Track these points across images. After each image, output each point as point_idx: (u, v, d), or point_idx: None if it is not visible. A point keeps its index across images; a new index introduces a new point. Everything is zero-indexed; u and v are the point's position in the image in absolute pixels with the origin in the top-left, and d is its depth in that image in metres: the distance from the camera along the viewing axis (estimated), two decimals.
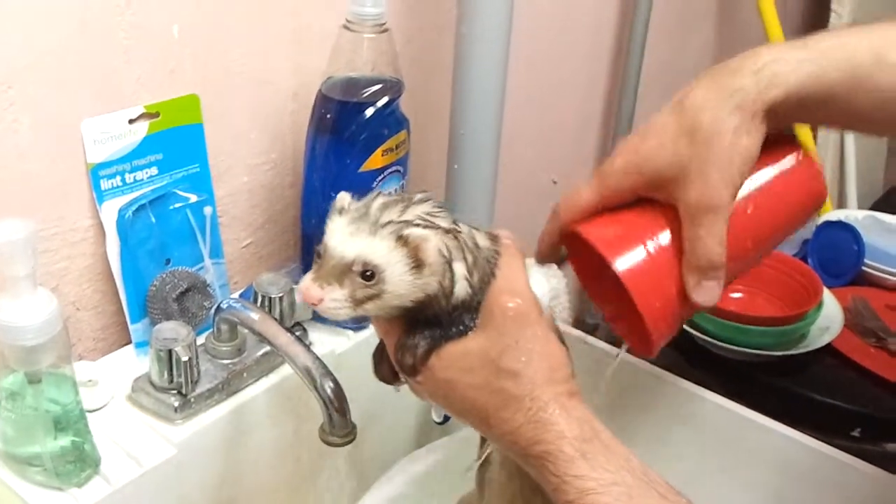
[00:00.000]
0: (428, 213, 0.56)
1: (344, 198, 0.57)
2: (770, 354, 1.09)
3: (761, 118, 0.57)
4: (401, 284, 0.54)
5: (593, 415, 0.55)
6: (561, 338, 0.59)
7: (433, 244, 0.54)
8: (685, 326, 1.15)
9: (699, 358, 1.13)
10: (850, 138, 1.75)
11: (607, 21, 1.36)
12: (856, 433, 1.05)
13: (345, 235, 0.54)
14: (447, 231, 0.56)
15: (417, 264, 0.54)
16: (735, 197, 0.58)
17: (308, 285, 0.54)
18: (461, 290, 0.56)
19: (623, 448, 0.54)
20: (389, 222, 0.55)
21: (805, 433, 0.81)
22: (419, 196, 0.58)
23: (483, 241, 0.58)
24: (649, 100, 1.48)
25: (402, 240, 0.54)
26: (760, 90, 0.57)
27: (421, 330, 0.57)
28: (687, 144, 0.57)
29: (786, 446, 0.81)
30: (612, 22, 1.37)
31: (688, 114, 0.58)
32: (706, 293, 0.58)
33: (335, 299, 0.54)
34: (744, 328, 1.08)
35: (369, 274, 0.54)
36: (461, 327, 0.56)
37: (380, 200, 0.56)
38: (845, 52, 0.59)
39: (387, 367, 0.61)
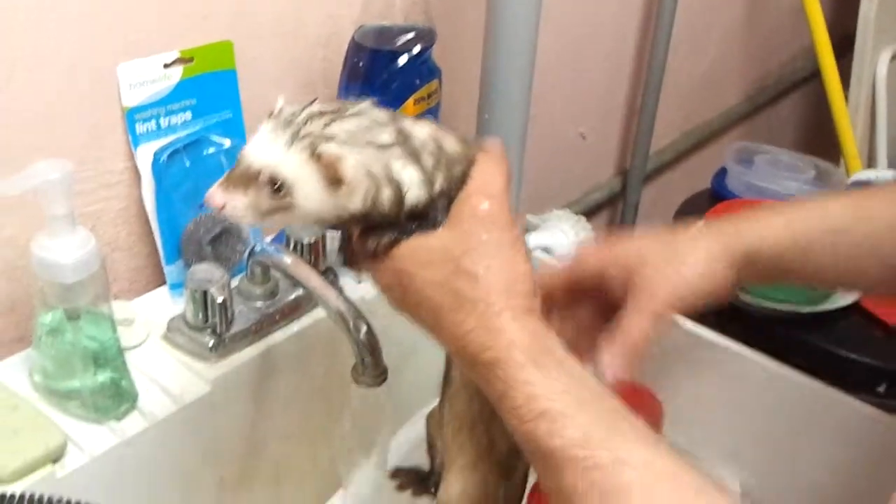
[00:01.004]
0: (363, 128, 0.53)
1: (279, 101, 0.54)
2: (798, 311, 1.10)
3: (734, 261, 0.62)
4: (312, 202, 0.52)
5: (550, 333, 0.54)
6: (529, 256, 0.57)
7: (350, 163, 0.51)
8: None
9: (729, 313, 1.13)
10: (882, 98, 1.74)
11: None
12: (881, 389, 1.05)
13: (262, 142, 0.52)
14: (384, 146, 0.53)
15: (333, 182, 0.52)
16: (674, 311, 0.61)
17: (212, 191, 0.53)
18: (414, 196, 0.53)
19: (580, 367, 0.53)
20: (309, 135, 0.52)
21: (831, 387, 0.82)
22: (359, 108, 0.54)
23: (452, 144, 0.56)
24: (680, 53, 1.47)
25: (316, 156, 0.51)
26: (739, 236, 0.63)
27: None
28: (659, 248, 0.62)
29: (808, 396, 0.83)
30: None
31: (670, 235, 0.64)
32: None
33: (236, 206, 0.52)
34: (773, 284, 1.08)
35: (277, 186, 0.52)
36: (430, 223, 0.54)
37: (312, 109, 0.53)
38: (823, 210, 0.66)
39: (352, 250, 0.59)
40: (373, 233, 0.55)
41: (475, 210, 0.54)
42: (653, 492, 0.47)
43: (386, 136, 0.53)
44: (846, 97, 1.65)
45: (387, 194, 0.53)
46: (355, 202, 0.52)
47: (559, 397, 0.50)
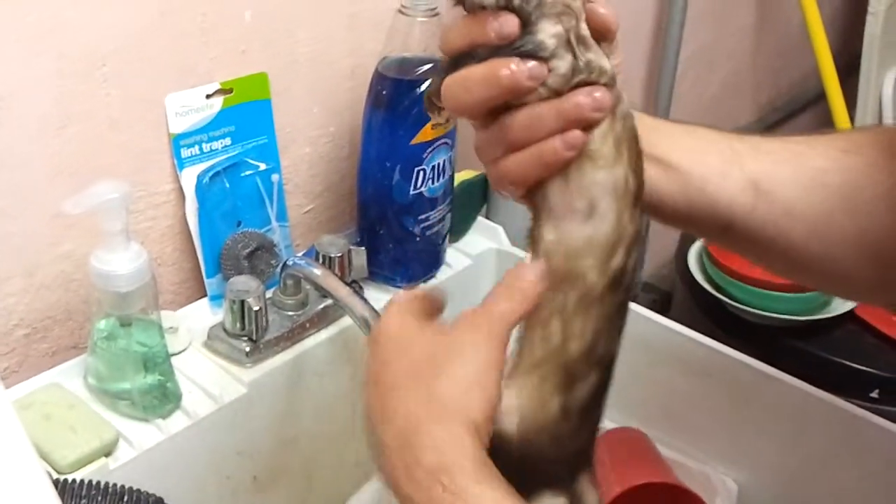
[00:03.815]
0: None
1: None
2: (795, 319, 1.15)
3: None
4: None
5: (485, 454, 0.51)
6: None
7: None
8: (716, 293, 1.21)
9: (729, 323, 1.19)
10: (888, 116, 1.77)
11: (646, 3, 1.40)
12: (874, 394, 1.10)
13: None
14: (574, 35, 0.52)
15: None
16: None
17: None
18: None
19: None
20: None
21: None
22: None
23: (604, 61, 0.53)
24: (687, 83, 1.52)
25: None
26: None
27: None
28: None
29: (804, 402, 0.85)
30: (651, 3, 1.41)
31: None
32: None
33: None
34: (771, 294, 1.14)
35: None
36: None
37: None
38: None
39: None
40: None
41: (473, 317, 0.53)
42: None
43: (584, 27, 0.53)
44: (853, 116, 1.69)
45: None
46: None
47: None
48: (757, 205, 0.62)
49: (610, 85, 0.54)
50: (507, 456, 0.53)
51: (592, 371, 0.55)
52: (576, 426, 0.55)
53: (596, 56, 0.53)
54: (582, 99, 0.53)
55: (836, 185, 0.62)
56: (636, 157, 0.55)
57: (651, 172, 0.60)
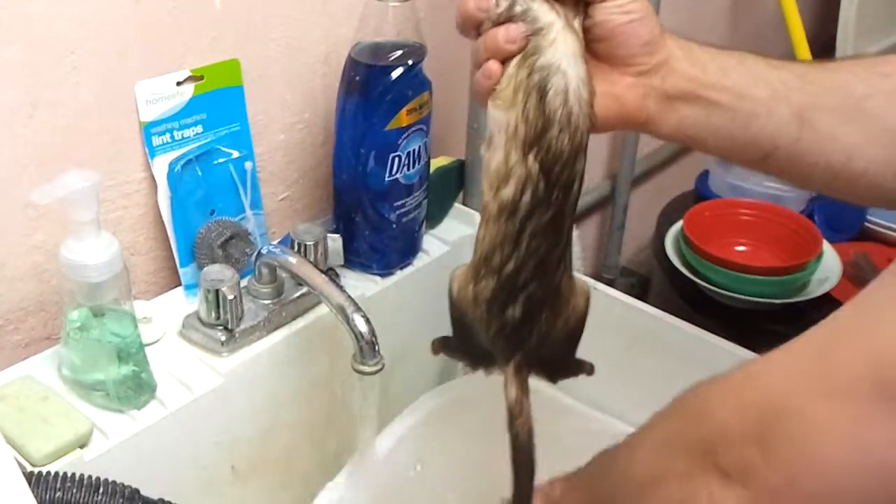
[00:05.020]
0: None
1: None
2: (773, 302, 1.15)
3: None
4: None
5: None
6: None
7: None
8: (693, 277, 1.21)
9: (706, 306, 1.19)
10: None
11: None
12: None
13: None
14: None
15: None
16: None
17: None
18: None
19: None
20: None
21: None
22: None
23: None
24: None
25: None
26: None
27: None
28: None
29: None
30: None
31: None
32: None
33: None
34: (748, 278, 1.14)
35: None
36: None
37: None
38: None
39: None
40: None
41: None
42: None
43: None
44: None
45: None
46: None
47: None
48: (801, 135, 0.67)
49: (532, 34, 0.63)
50: (451, 306, 0.71)
51: (491, 276, 0.66)
52: (484, 316, 0.68)
53: (539, 9, 0.63)
54: (500, 31, 0.63)
55: (877, 108, 0.66)
56: (534, 110, 0.63)
57: (695, 114, 0.68)
